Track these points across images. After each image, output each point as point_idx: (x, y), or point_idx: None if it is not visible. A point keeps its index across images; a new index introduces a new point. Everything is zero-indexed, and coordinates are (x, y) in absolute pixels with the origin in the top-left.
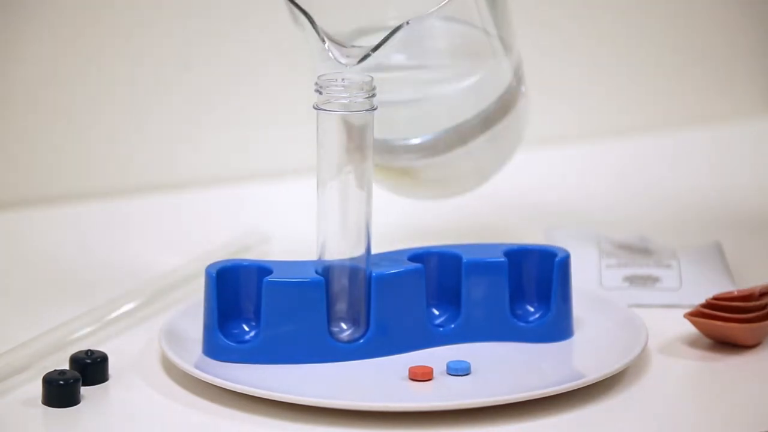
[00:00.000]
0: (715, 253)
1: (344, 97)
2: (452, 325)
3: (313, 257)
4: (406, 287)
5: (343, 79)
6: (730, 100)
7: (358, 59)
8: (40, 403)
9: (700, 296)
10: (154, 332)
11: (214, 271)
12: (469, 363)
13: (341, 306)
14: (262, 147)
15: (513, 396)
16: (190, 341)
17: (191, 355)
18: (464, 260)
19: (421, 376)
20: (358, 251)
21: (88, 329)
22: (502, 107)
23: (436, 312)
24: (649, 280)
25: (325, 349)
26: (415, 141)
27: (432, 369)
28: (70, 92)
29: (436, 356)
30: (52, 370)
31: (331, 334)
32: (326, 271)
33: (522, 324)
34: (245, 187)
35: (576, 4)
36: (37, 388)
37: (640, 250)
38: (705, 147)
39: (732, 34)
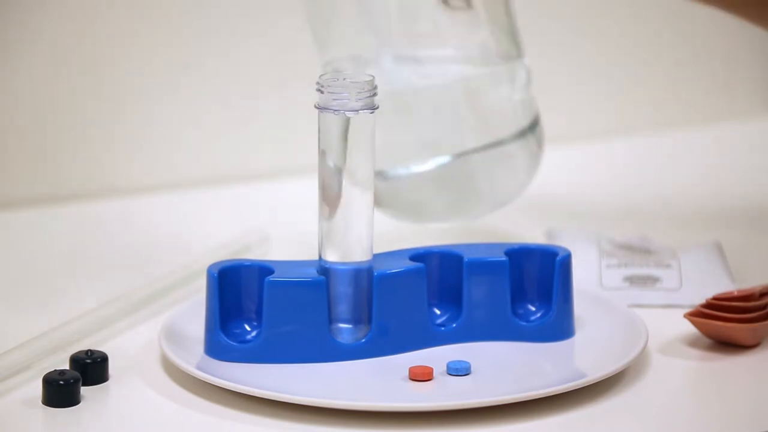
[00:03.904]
0: (715, 253)
1: (345, 97)
2: (453, 325)
3: (314, 257)
4: (407, 287)
5: (344, 79)
6: (730, 100)
7: None
8: (40, 403)
9: (700, 296)
10: (154, 332)
11: (215, 271)
12: (469, 363)
13: (342, 305)
14: (262, 147)
15: (513, 396)
16: (191, 341)
17: (191, 355)
18: (465, 260)
19: (421, 376)
20: (360, 251)
21: (88, 329)
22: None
23: (438, 311)
24: (649, 280)
25: (326, 349)
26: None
27: (432, 369)
28: (70, 92)
29: (437, 356)
30: (52, 370)
31: (332, 333)
32: (327, 270)
33: (523, 323)
34: (245, 187)
35: (576, 5)
36: (37, 388)
37: (640, 250)
38: (705, 147)
39: (732, 34)
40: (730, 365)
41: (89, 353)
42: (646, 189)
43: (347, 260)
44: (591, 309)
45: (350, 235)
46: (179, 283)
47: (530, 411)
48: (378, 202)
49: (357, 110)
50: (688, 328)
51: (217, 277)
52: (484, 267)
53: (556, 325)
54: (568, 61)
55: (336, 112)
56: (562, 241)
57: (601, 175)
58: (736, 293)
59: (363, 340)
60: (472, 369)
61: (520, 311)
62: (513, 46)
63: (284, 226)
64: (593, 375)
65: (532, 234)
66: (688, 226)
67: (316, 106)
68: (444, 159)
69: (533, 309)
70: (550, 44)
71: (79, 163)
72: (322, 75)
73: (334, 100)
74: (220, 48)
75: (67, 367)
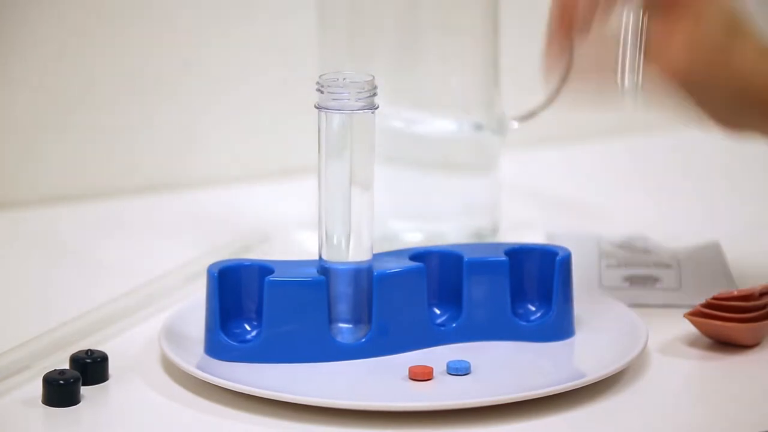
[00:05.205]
0: (715, 253)
1: (345, 97)
2: (453, 325)
3: (314, 257)
4: (407, 286)
5: (344, 79)
6: None
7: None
8: (40, 403)
9: (700, 296)
10: (154, 332)
11: (216, 271)
12: (469, 362)
13: (342, 305)
14: (262, 147)
15: (513, 396)
16: (191, 341)
17: (191, 355)
18: (465, 259)
19: (421, 376)
20: (359, 250)
21: (88, 329)
22: None
23: (438, 311)
24: (649, 280)
25: (326, 349)
26: None
27: (432, 369)
28: (70, 93)
29: (437, 356)
30: (52, 370)
31: (332, 333)
32: (327, 270)
33: (523, 323)
34: (245, 187)
35: None
36: (37, 388)
37: (640, 250)
38: (705, 147)
39: None
40: (730, 365)
41: (89, 353)
42: (645, 189)
43: (347, 260)
44: (591, 309)
45: (350, 235)
46: (179, 283)
47: (530, 411)
48: None
49: (357, 110)
50: (688, 328)
51: (217, 277)
52: (484, 267)
53: (556, 325)
54: None
55: (336, 112)
56: (562, 241)
57: (601, 175)
58: (736, 293)
59: (363, 340)
60: (472, 369)
61: (520, 311)
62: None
63: (284, 226)
64: (593, 375)
65: (532, 234)
66: (688, 226)
67: (316, 106)
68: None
69: (533, 309)
70: None
71: (79, 163)
72: (322, 75)
73: (334, 99)
74: (220, 47)
75: (67, 366)
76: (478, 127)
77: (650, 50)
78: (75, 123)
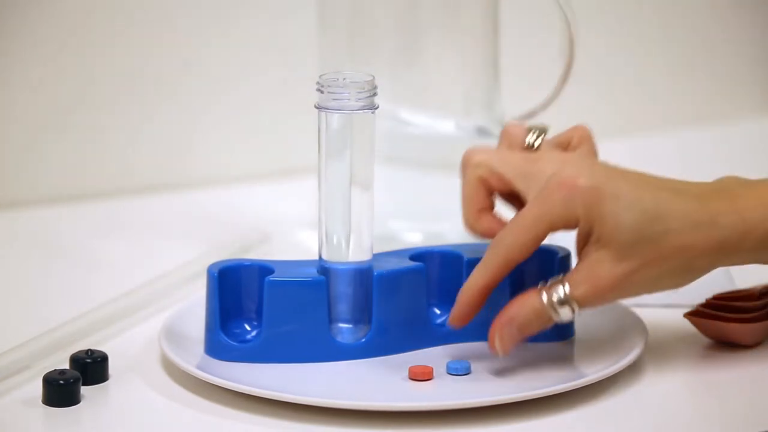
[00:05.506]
0: None
1: (345, 97)
2: None
3: (314, 257)
4: (407, 286)
5: (344, 79)
6: (731, 100)
7: None
8: (40, 403)
9: (700, 296)
10: (154, 332)
11: (216, 271)
12: (469, 363)
13: (342, 305)
14: (262, 147)
15: (513, 396)
16: (191, 341)
17: (191, 355)
18: (465, 259)
19: (421, 376)
20: (359, 250)
21: (88, 329)
22: None
23: (438, 311)
24: None
25: (326, 349)
26: None
27: (432, 369)
28: (70, 93)
29: (437, 356)
30: (52, 370)
31: (332, 333)
32: (327, 270)
33: None
34: (245, 187)
35: (577, 5)
36: (37, 388)
37: None
38: (705, 147)
39: (733, 33)
40: (730, 365)
41: (89, 353)
42: None
43: (347, 260)
44: (591, 309)
45: (350, 235)
46: (179, 283)
47: (530, 411)
48: None
49: (357, 110)
50: (688, 328)
51: (217, 277)
52: None
53: (556, 325)
54: None
55: (336, 112)
56: (562, 241)
57: None
58: (736, 293)
59: (363, 340)
60: (472, 369)
61: None
62: None
63: (284, 226)
64: (593, 375)
65: None
66: None
67: (316, 106)
68: None
69: None
70: (549, 44)
71: (78, 164)
72: (322, 74)
73: (334, 99)
74: (219, 47)
75: (67, 366)
76: (481, 131)
77: (576, 281)
78: (75, 123)
